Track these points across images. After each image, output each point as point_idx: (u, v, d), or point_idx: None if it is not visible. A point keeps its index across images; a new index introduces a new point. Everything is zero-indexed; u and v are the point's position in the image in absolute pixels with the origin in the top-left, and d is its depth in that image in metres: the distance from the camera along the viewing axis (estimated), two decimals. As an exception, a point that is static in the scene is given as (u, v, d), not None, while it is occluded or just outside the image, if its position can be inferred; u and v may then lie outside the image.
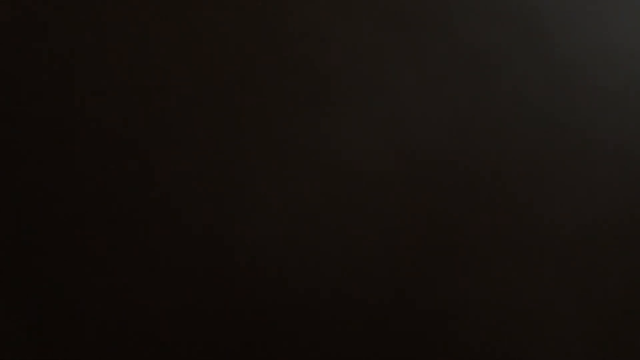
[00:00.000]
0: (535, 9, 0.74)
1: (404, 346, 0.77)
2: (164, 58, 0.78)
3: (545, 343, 0.75)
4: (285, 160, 0.77)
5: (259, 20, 0.77)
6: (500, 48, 0.75)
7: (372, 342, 0.77)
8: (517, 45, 0.75)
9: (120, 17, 0.78)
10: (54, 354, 0.79)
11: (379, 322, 0.77)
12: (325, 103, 0.76)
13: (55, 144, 0.79)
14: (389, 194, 0.76)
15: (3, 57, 0.79)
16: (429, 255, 0.76)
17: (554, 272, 0.75)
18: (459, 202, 0.76)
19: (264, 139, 0.77)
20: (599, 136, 0.74)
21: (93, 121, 0.78)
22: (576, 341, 0.75)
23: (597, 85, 0.74)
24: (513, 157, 0.75)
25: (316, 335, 0.77)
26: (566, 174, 0.75)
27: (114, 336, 0.79)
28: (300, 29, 0.77)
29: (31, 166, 0.79)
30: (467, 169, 0.76)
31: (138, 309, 0.78)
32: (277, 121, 0.77)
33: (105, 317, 0.79)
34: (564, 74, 0.74)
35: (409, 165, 0.76)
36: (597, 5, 0.74)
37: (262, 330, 0.78)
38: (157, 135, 0.78)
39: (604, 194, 0.75)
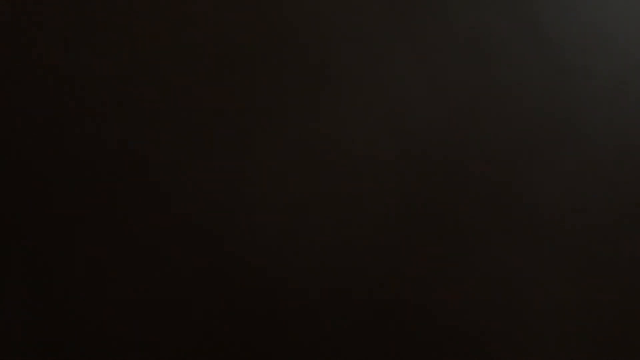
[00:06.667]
0: (531, -4, 0.75)
1: (402, 344, 0.77)
2: (158, 49, 0.78)
3: (543, 340, 0.76)
4: (282, 153, 0.77)
5: (256, 11, 0.77)
6: (498, 36, 0.75)
7: (370, 339, 0.77)
8: (515, 33, 0.75)
9: (116, 12, 0.79)
10: (54, 353, 0.80)
11: (378, 320, 0.77)
12: (322, 94, 0.77)
13: (50, 143, 0.79)
14: (388, 184, 0.76)
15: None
16: (428, 249, 0.76)
17: (554, 266, 0.75)
18: (457, 192, 0.76)
19: (260, 131, 0.77)
20: (598, 123, 0.75)
21: (89, 117, 0.79)
22: (574, 337, 0.75)
23: (595, 72, 0.74)
24: (511, 145, 0.75)
25: (314, 334, 0.78)
26: (565, 162, 0.75)
27: (113, 336, 0.79)
28: (298, 19, 0.77)
29: (28, 166, 0.79)
30: (464, 157, 0.76)
31: (136, 308, 0.79)
32: (274, 113, 0.77)
33: (104, 316, 0.79)
34: (561, 61, 0.75)
35: (406, 154, 0.76)
36: (595, -9, 0.74)
37: (258, 328, 0.78)
38: (151, 129, 0.78)
39: (603, 182, 0.75)
